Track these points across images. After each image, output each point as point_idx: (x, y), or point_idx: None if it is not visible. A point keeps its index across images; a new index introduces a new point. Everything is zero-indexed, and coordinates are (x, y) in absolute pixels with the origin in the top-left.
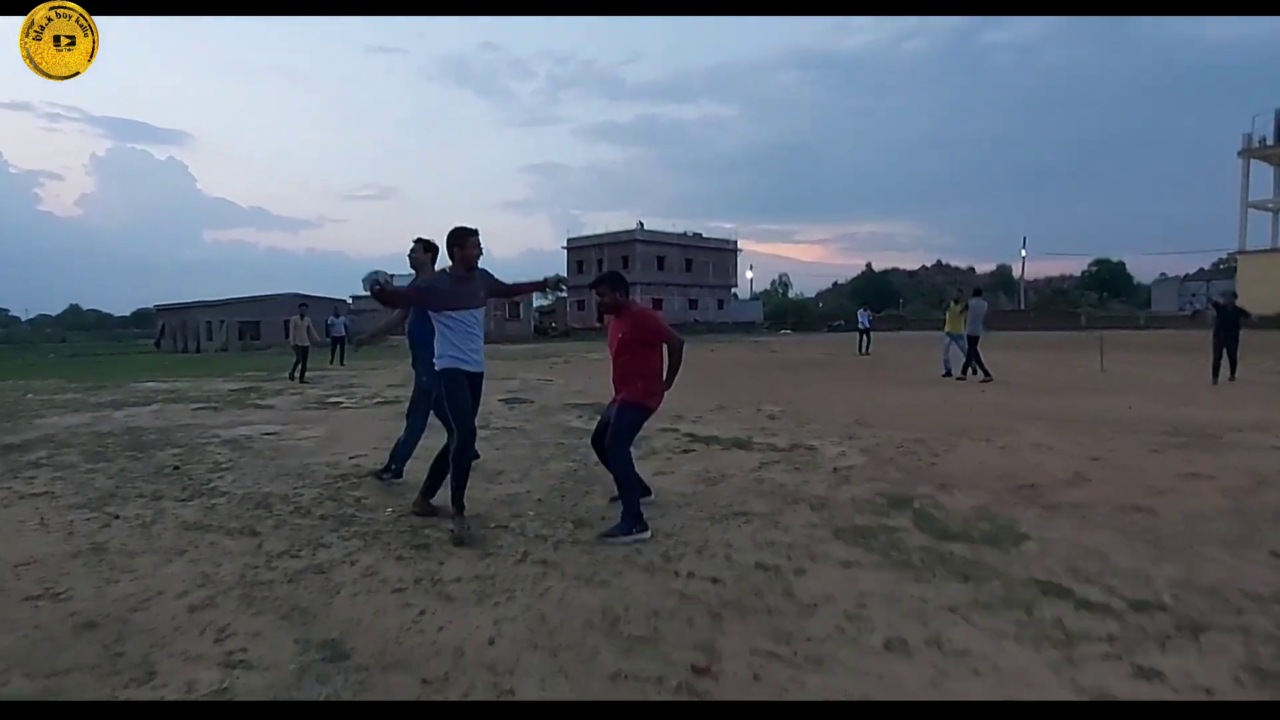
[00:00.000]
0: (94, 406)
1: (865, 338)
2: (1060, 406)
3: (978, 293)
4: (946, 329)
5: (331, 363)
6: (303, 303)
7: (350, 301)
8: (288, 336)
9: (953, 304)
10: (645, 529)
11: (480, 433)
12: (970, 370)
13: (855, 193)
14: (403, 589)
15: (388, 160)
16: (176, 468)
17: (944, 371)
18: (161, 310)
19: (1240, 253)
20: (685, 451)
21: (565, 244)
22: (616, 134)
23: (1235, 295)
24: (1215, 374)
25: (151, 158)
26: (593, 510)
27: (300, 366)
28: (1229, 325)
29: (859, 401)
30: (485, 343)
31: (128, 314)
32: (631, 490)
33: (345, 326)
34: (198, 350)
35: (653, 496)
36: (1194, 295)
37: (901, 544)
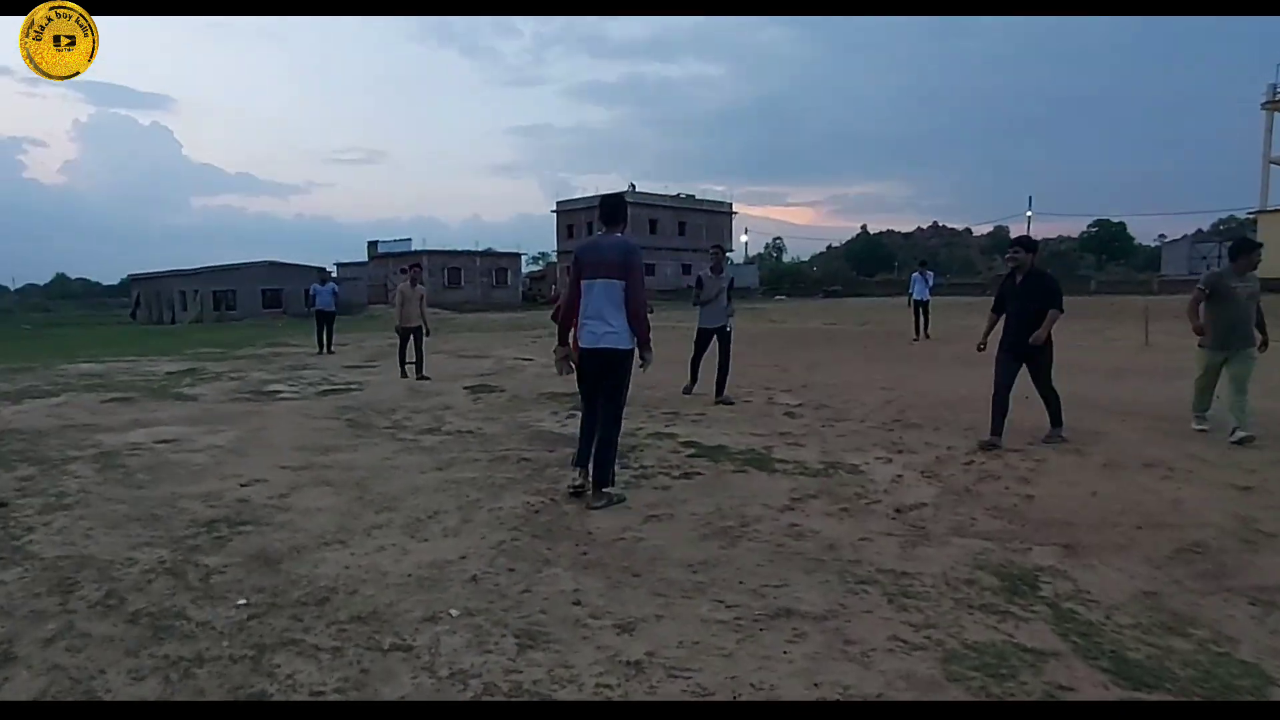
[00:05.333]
0: None
1: (921, 313)
2: (1135, 396)
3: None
4: None
5: (320, 351)
6: (415, 264)
7: (334, 270)
8: (392, 304)
9: None
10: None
11: (429, 439)
12: None
13: (845, 152)
14: None
15: (373, 123)
16: (3, 504)
17: None
18: (136, 279)
19: (1261, 211)
20: (687, 476)
21: (555, 207)
22: (603, 94)
23: (1029, 249)
24: (999, 425)
25: (135, 123)
26: (554, 603)
27: (417, 353)
28: (1025, 315)
29: (887, 386)
30: (471, 311)
31: (115, 282)
32: None
33: (335, 295)
34: (172, 321)
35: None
36: (1205, 258)
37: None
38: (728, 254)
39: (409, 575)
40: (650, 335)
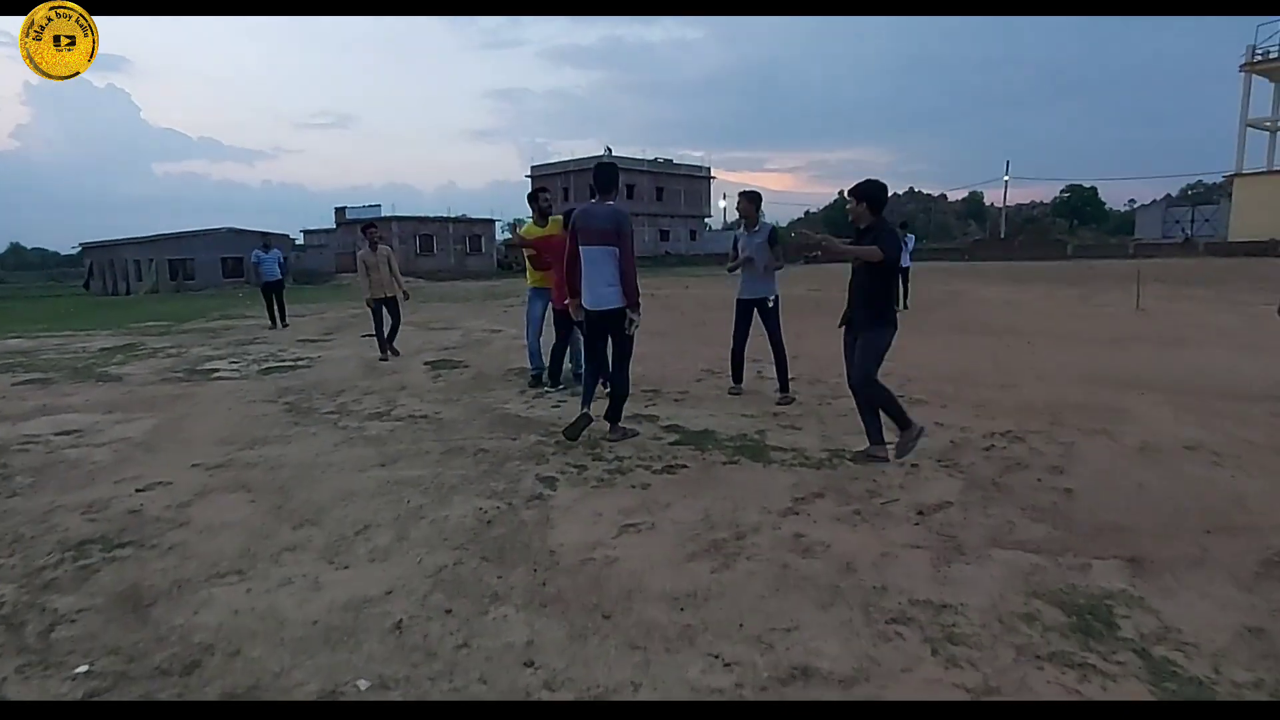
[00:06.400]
0: None
1: (902, 280)
2: (1144, 367)
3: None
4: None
5: (273, 325)
6: (369, 224)
7: (300, 237)
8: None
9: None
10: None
11: (375, 427)
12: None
13: (826, 118)
14: None
15: (344, 86)
16: None
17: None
18: (89, 249)
19: (1237, 175)
20: (670, 470)
21: (529, 173)
22: (581, 57)
23: (861, 199)
24: (877, 430)
25: (90, 85)
26: (499, 666)
27: (387, 324)
28: (865, 285)
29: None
30: (445, 279)
31: (75, 251)
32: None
33: (281, 264)
34: (127, 291)
35: None
36: (1179, 221)
37: None
38: (706, 220)
39: (314, 623)
40: (639, 298)
